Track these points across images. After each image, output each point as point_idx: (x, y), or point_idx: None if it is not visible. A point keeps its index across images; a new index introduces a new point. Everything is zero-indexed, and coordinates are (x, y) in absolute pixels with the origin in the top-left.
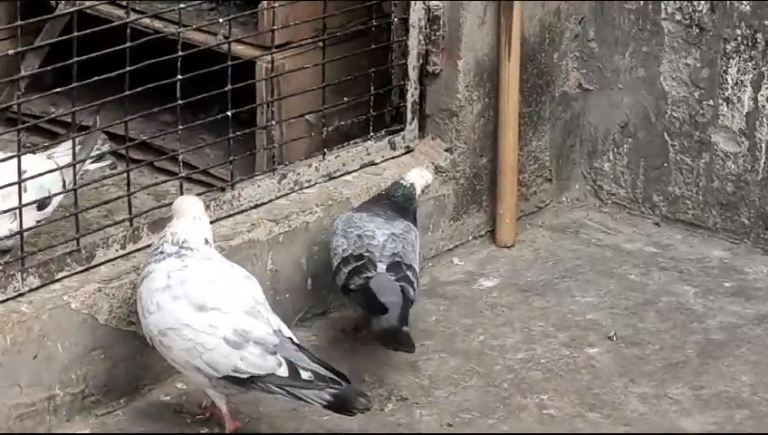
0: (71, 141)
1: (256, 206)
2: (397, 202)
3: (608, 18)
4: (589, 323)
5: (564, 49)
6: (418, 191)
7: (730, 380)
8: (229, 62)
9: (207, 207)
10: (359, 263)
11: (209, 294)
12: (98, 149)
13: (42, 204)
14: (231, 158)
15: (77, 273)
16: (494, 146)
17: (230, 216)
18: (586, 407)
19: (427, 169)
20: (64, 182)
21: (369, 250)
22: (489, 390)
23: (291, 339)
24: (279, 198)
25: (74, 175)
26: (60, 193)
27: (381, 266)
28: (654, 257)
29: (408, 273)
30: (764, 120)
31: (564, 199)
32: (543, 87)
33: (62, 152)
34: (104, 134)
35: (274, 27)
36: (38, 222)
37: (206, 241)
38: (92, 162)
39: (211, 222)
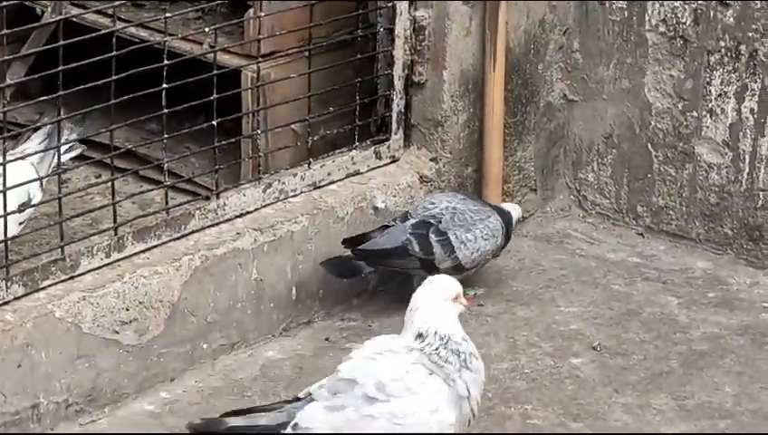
0: (40, 135)
1: (241, 215)
2: (499, 209)
3: (592, 29)
4: (573, 333)
5: (549, 60)
6: (515, 217)
7: (713, 390)
8: (215, 72)
9: (192, 215)
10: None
11: None
12: (66, 140)
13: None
14: (216, 167)
15: (61, 281)
16: (480, 156)
17: (215, 225)
18: (570, 417)
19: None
20: (41, 181)
21: (415, 210)
22: None
23: None
24: (264, 206)
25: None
26: (39, 191)
27: (409, 223)
28: (638, 268)
29: (431, 233)
30: (748, 131)
31: (549, 209)
32: (528, 97)
33: (34, 147)
34: (69, 123)
35: (260, 37)
36: (20, 224)
37: None
38: (64, 152)
39: (195, 231)
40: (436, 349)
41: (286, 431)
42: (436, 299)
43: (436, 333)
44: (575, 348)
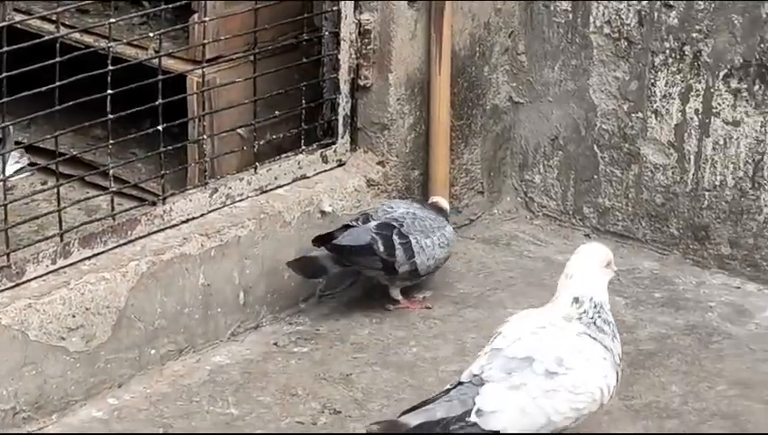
0: None
1: (188, 220)
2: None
3: (537, 32)
4: None
5: (495, 62)
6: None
7: (660, 390)
8: (159, 77)
9: (138, 221)
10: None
11: None
12: (15, 161)
13: None
14: (162, 172)
15: (7, 289)
16: (426, 159)
17: (161, 230)
18: None
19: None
20: None
21: (375, 213)
22: None
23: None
24: (210, 212)
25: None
26: None
27: (372, 223)
28: None
29: (394, 235)
30: (693, 132)
31: (496, 212)
32: (474, 100)
33: None
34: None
35: (205, 41)
36: None
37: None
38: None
39: (142, 237)
40: (592, 317)
41: (471, 419)
42: (592, 265)
43: (591, 299)
44: None
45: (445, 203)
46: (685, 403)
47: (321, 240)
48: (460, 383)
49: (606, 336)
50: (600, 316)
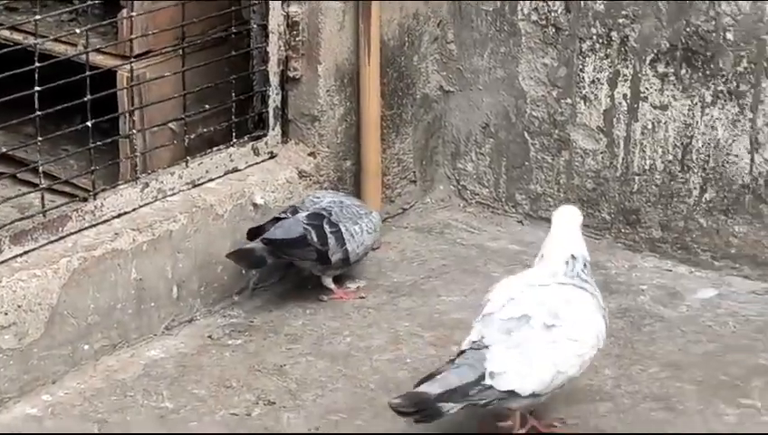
0: None
1: (120, 215)
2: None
3: (466, 20)
4: (455, 322)
5: (424, 52)
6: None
7: (593, 373)
8: (87, 73)
9: (69, 218)
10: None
11: None
12: None
13: None
14: (92, 168)
15: None
16: (358, 149)
17: (93, 226)
18: None
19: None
20: None
21: (303, 204)
22: (356, 391)
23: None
24: (142, 206)
25: None
26: None
27: (302, 214)
28: (518, 255)
29: (325, 225)
30: (621, 116)
31: (429, 200)
32: (405, 90)
33: None
34: None
35: (133, 36)
36: None
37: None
38: None
39: (73, 233)
40: (579, 275)
41: (486, 382)
42: (573, 225)
43: (584, 257)
44: (457, 337)
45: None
46: (617, 386)
47: (253, 234)
48: (462, 352)
49: (589, 286)
50: (585, 268)
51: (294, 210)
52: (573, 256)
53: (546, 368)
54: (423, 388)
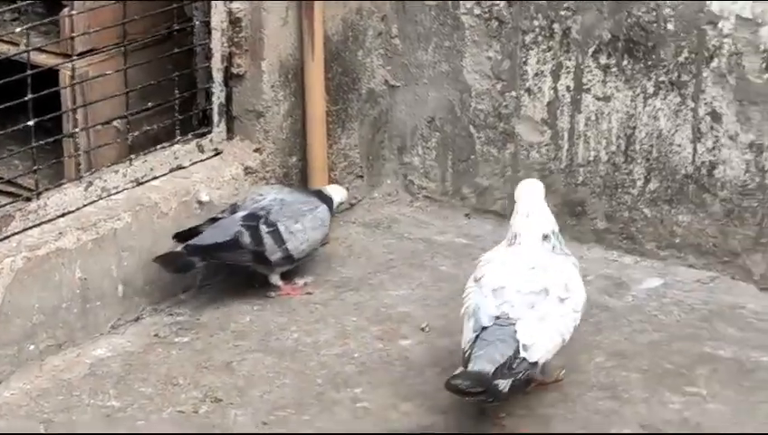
0: None
1: (64, 214)
2: (325, 198)
3: (410, 15)
4: (402, 316)
5: (369, 46)
6: (337, 200)
7: None
8: (29, 72)
9: (12, 217)
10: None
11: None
12: None
13: None
14: (35, 167)
15: None
16: (303, 145)
17: (37, 225)
18: (400, 398)
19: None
20: None
21: (243, 202)
22: (303, 386)
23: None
24: (86, 205)
25: None
26: None
27: (238, 215)
28: (465, 249)
29: (261, 225)
30: (565, 108)
31: (376, 195)
32: (350, 85)
33: None
34: None
35: (74, 35)
36: None
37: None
38: None
39: (17, 233)
40: (561, 246)
41: (521, 354)
42: (542, 199)
43: (554, 232)
44: (404, 330)
45: (336, 192)
46: (564, 375)
47: (182, 237)
48: (484, 328)
49: (571, 257)
50: (559, 240)
51: (234, 209)
52: (546, 236)
53: (556, 337)
54: (475, 366)
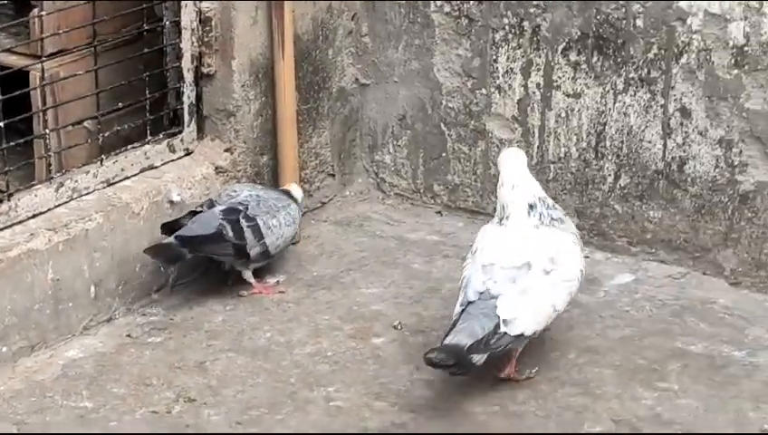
0: None
1: (35, 215)
2: (292, 196)
3: (380, 13)
4: (374, 314)
5: (339, 45)
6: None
7: None
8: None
9: None
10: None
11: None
12: None
13: None
14: (6, 168)
15: None
16: (274, 144)
17: (8, 227)
18: (372, 396)
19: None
20: None
21: (219, 198)
22: (277, 386)
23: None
24: (57, 206)
25: None
26: None
27: (218, 209)
28: (437, 246)
29: (241, 219)
30: (535, 106)
31: (348, 193)
32: (320, 84)
33: None
34: None
35: (44, 36)
36: None
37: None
38: None
39: None
40: (548, 216)
41: (501, 329)
42: (525, 167)
43: (540, 199)
44: (376, 328)
45: (297, 191)
46: (537, 372)
47: (169, 229)
48: (470, 303)
49: (566, 226)
50: (549, 209)
51: (211, 204)
52: (531, 206)
53: (546, 308)
54: (451, 340)
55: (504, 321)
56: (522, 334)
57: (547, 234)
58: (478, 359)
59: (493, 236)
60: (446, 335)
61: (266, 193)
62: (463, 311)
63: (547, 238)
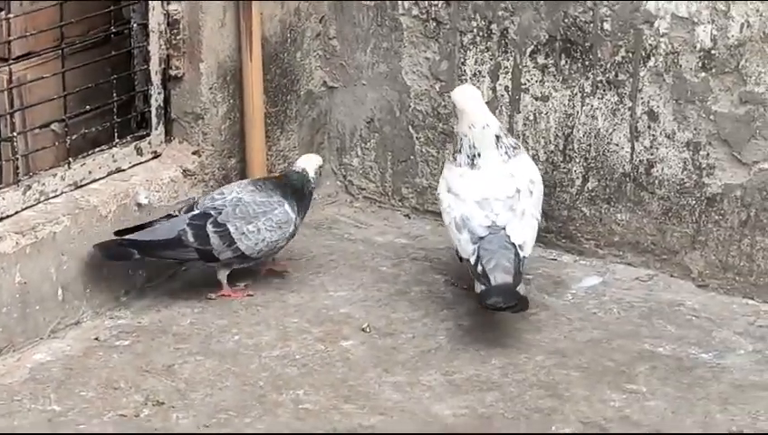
0: None
1: (1, 218)
2: (293, 185)
3: (347, 16)
4: (343, 317)
5: (307, 48)
6: (312, 174)
7: (480, 363)
8: None
9: None
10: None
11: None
12: None
13: None
14: None
15: None
16: (242, 147)
17: None
18: (341, 399)
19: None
20: None
21: (202, 200)
22: (245, 389)
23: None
24: (25, 209)
25: None
26: None
27: (188, 215)
28: (405, 249)
29: (208, 225)
30: (504, 108)
31: (316, 196)
32: (288, 86)
33: None
34: None
35: (11, 38)
36: None
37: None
38: None
39: None
40: (509, 142)
41: (521, 254)
42: (479, 101)
43: (501, 128)
44: (345, 331)
45: (311, 165)
46: (505, 375)
47: (130, 231)
48: (481, 238)
49: (519, 147)
50: (507, 138)
51: (190, 207)
52: (498, 137)
53: (534, 224)
54: (498, 278)
55: (520, 247)
56: (526, 256)
57: (518, 161)
58: (522, 290)
59: (473, 175)
60: (483, 275)
61: (252, 196)
62: (479, 248)
63: (521, 164)
